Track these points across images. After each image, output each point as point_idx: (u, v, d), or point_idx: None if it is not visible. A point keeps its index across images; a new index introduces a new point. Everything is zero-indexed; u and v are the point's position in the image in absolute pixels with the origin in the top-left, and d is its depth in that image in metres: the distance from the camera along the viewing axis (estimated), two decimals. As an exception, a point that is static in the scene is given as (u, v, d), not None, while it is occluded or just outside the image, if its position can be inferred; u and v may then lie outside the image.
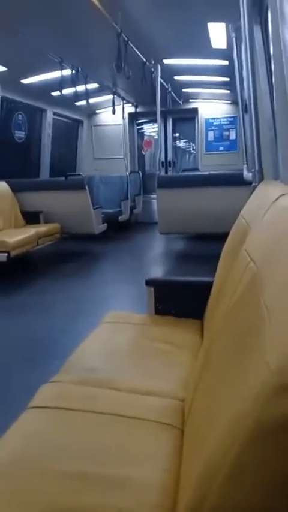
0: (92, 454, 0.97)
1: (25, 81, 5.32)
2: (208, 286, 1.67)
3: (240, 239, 1.27)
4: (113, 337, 1.71)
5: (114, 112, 6.09)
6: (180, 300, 1.91)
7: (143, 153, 8.75)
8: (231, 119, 7.89)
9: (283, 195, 1.21)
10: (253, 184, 2.23)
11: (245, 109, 4.25)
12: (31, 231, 4.58)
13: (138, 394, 1.26)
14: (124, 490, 0.85)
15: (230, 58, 4.58)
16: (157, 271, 4.90)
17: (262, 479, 0.51)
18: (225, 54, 4.57)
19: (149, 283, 1.92)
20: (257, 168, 2.23)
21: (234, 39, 3.87)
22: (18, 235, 4.33)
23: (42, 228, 4.86)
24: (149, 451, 1.00)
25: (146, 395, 1.25)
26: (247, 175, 3.38)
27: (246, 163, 4.44)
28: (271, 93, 2.76)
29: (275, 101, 2.43)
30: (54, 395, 1.24)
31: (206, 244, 5.24)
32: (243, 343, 0.67)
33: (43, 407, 1.17)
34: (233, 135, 7.96)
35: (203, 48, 4.43)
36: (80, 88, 5.27)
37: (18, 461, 0.95)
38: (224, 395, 0.65)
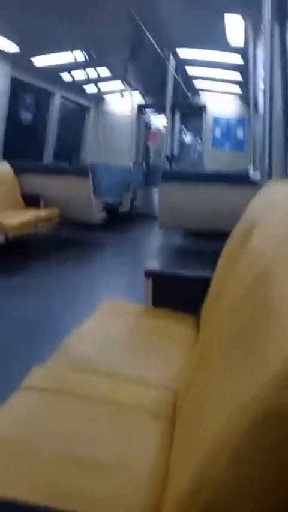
0: (81, 438, 0.97)
1: (36, 61, 5.25)
2: (206, 281, 1.65)
3: (246, 236, 1.26)
4: (108, 326, 1.70)
5: (122, 95, 5.98)
6: (177, 294, 1.89)
7: (148, 144, 8.70)
8: (240, 118, 7.85)
9: None
10: (261, 182, 2.22)
11: (255, 108, 4.22)
12: (31, 214, 4.54)
13: (130, 382, 1.25)
14: (114, 475, 0.85)
15: (244, 54, 4.55)
16: (154, 264, 4.89)
17: (263, 466, 0.52)
18: (239, 50, 4.54)
19: (147, 274, 1.90)
20: (266, 166, 2.21)
21: (251, 36, 3.83)
22: (18, 217, 4.28)
23: (42, 212, 4.81)
24: (139, 438, 1.00)
25: (137, 384, 1.25)
26: (254, 174, 3.36)
27: (253, 162, 4.43)
28: (284, 92, 2.73)
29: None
30: (46, 377, 1.23)
31: (203, 241, 5.23)
32: (250, 335, 0.67)
33: (34, 388, 1.15)
34: (240, 135, 7.93)
35: (218, 41, 4.38)
36: (91, 75, 5.21)
37: (8, 443, 0.94)
38: (226, 386, 0.66)
